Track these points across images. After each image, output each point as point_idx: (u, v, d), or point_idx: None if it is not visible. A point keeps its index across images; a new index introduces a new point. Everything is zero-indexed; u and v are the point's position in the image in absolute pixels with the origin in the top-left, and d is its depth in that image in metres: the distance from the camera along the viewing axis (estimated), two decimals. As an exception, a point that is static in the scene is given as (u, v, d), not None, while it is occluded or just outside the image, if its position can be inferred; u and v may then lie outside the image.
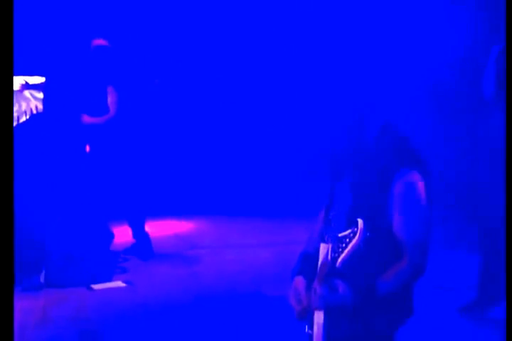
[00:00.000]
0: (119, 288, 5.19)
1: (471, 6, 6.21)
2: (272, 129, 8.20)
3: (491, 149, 4.17)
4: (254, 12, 7.96)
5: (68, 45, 7.06)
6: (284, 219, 7.49)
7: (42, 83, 6.95)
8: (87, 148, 6.07)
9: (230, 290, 5.08)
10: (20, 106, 7.75)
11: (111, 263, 5.61)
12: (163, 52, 7.92)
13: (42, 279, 5.19)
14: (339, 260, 2.08)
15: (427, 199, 2.19)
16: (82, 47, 6.18)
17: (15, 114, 7.46)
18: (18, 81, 7.03)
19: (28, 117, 6.78)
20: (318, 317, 2.18)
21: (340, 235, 2.08)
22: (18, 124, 6.76)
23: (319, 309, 2.17)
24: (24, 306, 4.70)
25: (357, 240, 2.04)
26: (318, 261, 2.22)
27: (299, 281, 2.32)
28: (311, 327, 2.20)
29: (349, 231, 2.06)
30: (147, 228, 6.15)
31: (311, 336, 2.21)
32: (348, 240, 2.06)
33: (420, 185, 2.18)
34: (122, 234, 6.16)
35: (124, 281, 5.32)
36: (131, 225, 6.10)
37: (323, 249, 2.17)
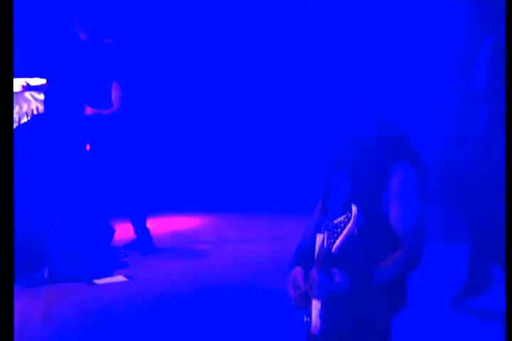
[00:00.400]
0: (120, 283, 5.18)
1: (467, 4, 6.20)
2: (269, 126, 8.18)
3: (479, 142, 4.16)
4: (255, 11, 7.94)
5: (72, 41, 7.02)
6: (281, 214, 7.49)
7: (43, 84, 6.92)
8: (88, 146, 6.05)
9: (228, 282, 5.07)
10: (21, 107, 7.72)
11: (112, 259, 5.60)
12: (166, 50, 7.88)
13: (45, 275, 5.18)
14: (335, 246, 2.06)
15: (422, 192, 2.18)
16: (87, 43, 6.16)
17: (16, 116, 7.43)
18: (19, 82, 7.00)
19: (29, 118, 6.75)
20: (316, 305, 2.17)
21: (335, 221, 2.06)
22: (20, 125, 6.74)
23: (317, 297, 2.16)
24: (28, 301, 4.71)
25: (351, 225, 2.02)
26: (315, 251, 2.21)
27: (297, 271, 2.31)
28: (309, 315, 2.19)
29: (343, 216, 2.04)
30: (148, 224, 6.13)
31: (309, 324, 2.21)
32: (342, 225, 2.04)
33: (416, 178, 2.17)
34: (123, 230, 6.15)
35: (125, 276, 5.32)
36: (132, 221, 6.08)
37: (319, 238, 2.16)
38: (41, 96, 7.26)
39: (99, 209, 5.90)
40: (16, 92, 7.60)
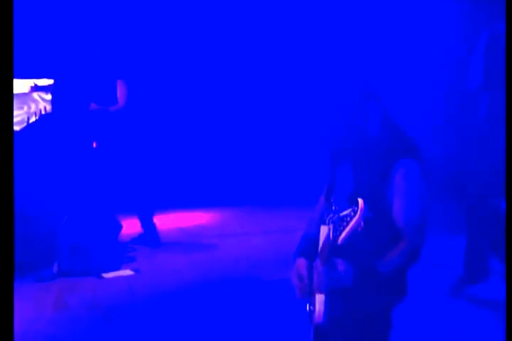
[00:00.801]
0: (127, 276, 5.18)
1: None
2: (271, 122, 8.16)
3: (478, 136, 4.14)
4: (256, 8, 7.91)
5: (80, 41, 7.01)
6: (282, 208, 7.49)
7: (50, 85, 6.91)
8: (94, 144, 6.04)
9: (233, 275, 5.06)
10: (29, 107, 7.71)
11: (119, 253, 5.60)
12: (169, 49, 7.85)
13: (55, 269, 5.18)
14: (340, 238, 2.04)
15: (423, 186, 2.17)
16: (93, 42, 6.15)
17: (25, 116, 7.43)
18: (27, 83, 6.99)
19: (37, 118, 6.75)
20: (320, 296, 2.15)
21: (341, 214, 2.04)
22: (28, 125, 6.73)
23: (321, 287, 2.14)
24: (39, 295, 4.70)
25: (357, 218, 2.00)
26: (318, 242, 2.19)
27: (301, 262, 2.29)
28: (313, 304, 2.17)
29: (350, 210, 2.02)
30: (154, 219, 6.13)
31: (312, 313, 2.19)
32: (348, 219, 2.02)
33: (418, 173, 2.16)
34: (130, 225, 6.14)
35: (132, 269, 5.31)
36: (138, 216, 6.07)
37: (324, 230, 2.14)
38: (48, 97, 7.25)
39: (107, 204, 5.89)
40: (25, 93, 7.59)
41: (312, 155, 6.82)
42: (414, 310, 3.64)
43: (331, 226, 2.06)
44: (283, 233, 6.22)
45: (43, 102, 7.64)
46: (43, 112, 6.90)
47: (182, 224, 7.09)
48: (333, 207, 2.13)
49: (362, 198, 2.02)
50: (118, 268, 5.31)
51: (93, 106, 5.91)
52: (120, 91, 5.80)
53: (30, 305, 4.47)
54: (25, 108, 7.76)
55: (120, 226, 5.72)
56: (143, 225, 6.06)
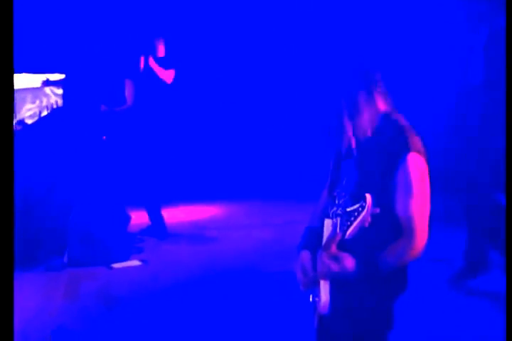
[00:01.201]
0: (135, 267, 5.18)
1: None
2: (276, 117, 8.14)
3: (479, 132, 4.10)
4: (258, 7, 7.88)
5: (90, 41, 7.00)
6: (286, 202, 7.48)
7: (62, 79, 6.92)
8: (104, 138, 6.04)
9: (237, 266, 5.06)
10: (41, 101, 7.71)
11: (128, 244, 5.59)
12: (173, 49, 7.83)
13: (65, 260, 5.18)
14: (348, 233, 2.02)
15: (427, 182, 2.14)
16: (103, 43, 6.13)
17: (36, 110, 7.43)
18: (39, 78, 6.99)
19: (49, 112, 6.75)
20: (325, 286, 2.13)
21: (348, 209, 2.02)
22: (40, 118, 6.73)
23: (325, 278, 2.13)
24: (49, 284, 4.71)
25: (365, 214, 1.98)
26: (322, 235, 2.17)
27: (305, 255, 2.27)
28: (317, 296, 2.16)
29: (358, 205, 2.00)
30: (162, 212, 6.13)
31: (315, 304, 2.18)
32: (356, 214, 2.00)
33: (422, 168, 2.13)
34: (138, 217, 6.14)
35: (140, 260, 5.31)
36: (147, 208, 6.08)
37: (328, 224, 2.12)
38: (60, 91, 7.25)
39: (117, 197, 5.90)
40: (37, 88, 7.59)
41: (316, 150, 6.79)
42: (415, 302, 3.62)
43: (338, 220, 2.04)
44: (286, 226, 6.21)
45: (54, 96, 7.64)
46: (55, 106, 6.90)
47: (188, 216, 7.10)
48: (337, 201, 2.11)
49: (366, 192, 1.99)
50: (127, 259, 5.32)
51: (103, 107, 5.93)
52: (128, 90, 5.82)
53: (39, 294, 4.47)
54: (38, 102, 7.77)
55: (129, 218, 5.73)
56: (151, 217, 6.07)
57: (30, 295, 4.36)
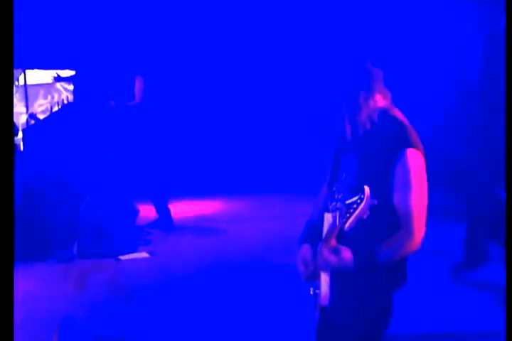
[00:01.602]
0: (143, 258, 5.18)
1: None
2: (278, 114, 8.12)
3: (477, 126, 4.08)
4: (259, 7, 7.84)
5: (100, 37, 6.99)
6: (289, 195, 7.46)
7: (72, 76, 6.91)
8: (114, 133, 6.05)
9: (243, 258, 5.06)
10: (52, 97, 7.72)
11: (136, 237, 5.60)
12: (176, 50, 7.82)
13: (75, 251, 5.19)
14: (347, 225, 2.00)
15: (424, 176, 2.12)
16: (113, 39, 6.12)
17: (48, 105, 7.44)
18: (50, 74, 6.99)
19: (59, 107, 6.76)
20: (325, 279, 2.13)
21: (347, 202, 2.00)
22: (51, 113, 6.74)
23: (325, 271, 2.11)
24: (59, 276, 4.72)
25: (364, 205, 1.97)
26: (322, 229, 2.16)
27: (306, 248, 2.27)
28: (318, 288, 2.15)
29: (356, 197, 1.98)
30: (169, 206, 6.13)
31: (316, 296, 2.17)
32: (355, 206, 1.98)
33: (419, 163, 2.11)
34: (146, 210, 6.14)
35: (148, 252, 5.31)
36: (154, 202, 6.08)
37: (328, 217, 2.11)
38: (71, 87, 7.25)
39: (125, 191, 5.90)
40: (48, 83, 7.59)
41: (317, 144, 6.78)
42: (415, 294, 3.61)
43: (337, 213, 2.03)
44: (290, 218, 6.19)
45: (65, 92, 7.65)
46: (66, 102, 6.91)
47: (195, 210, 7.10)
48: (336, 196, 2.09)
49: (364, 184, 1.98)
50: (134, 251, 5.32)
51: (112, 103, 5.93)
52: (138, 86, 5.81)
53: (50, 284, 4.49)
54: (49, 97, 7.77)
55: (137, 212, 5.73)
56: (158, 211, 6.08)
57: (41, 286, 4.38)
